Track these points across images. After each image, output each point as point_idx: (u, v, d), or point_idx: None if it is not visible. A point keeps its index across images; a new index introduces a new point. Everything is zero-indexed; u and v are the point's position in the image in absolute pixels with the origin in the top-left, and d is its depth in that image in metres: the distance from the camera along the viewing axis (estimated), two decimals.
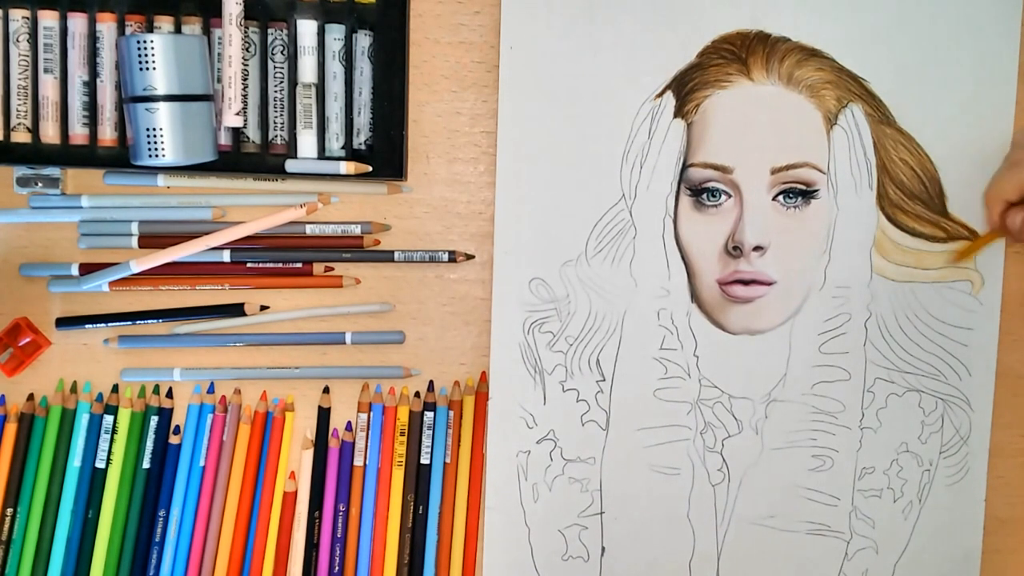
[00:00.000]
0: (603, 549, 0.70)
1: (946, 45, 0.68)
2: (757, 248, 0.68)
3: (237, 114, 0.67)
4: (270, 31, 0.68)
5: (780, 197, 0.68)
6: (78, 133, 0.68)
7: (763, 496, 0.70)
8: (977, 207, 0.69)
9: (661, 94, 0.68)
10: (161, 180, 0.69)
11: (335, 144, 0.68)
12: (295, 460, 0.71)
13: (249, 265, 0.70)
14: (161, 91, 0.63)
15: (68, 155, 0.68)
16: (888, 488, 0.70)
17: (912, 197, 0.69)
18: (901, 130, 0.68)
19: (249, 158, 0.68)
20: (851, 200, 0.68)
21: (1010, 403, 0.71)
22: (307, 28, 0.67)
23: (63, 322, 0.70)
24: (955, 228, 0.69)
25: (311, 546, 0.70)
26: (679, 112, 0.68)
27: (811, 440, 0.70)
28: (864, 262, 0.69)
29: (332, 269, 0.70)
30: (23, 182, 0.69)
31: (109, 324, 0.70)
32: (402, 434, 0.70)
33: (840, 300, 0.69)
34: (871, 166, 0.68)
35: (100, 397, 0.70)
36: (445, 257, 0.70)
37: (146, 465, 0.70)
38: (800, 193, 0.68)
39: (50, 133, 0.68)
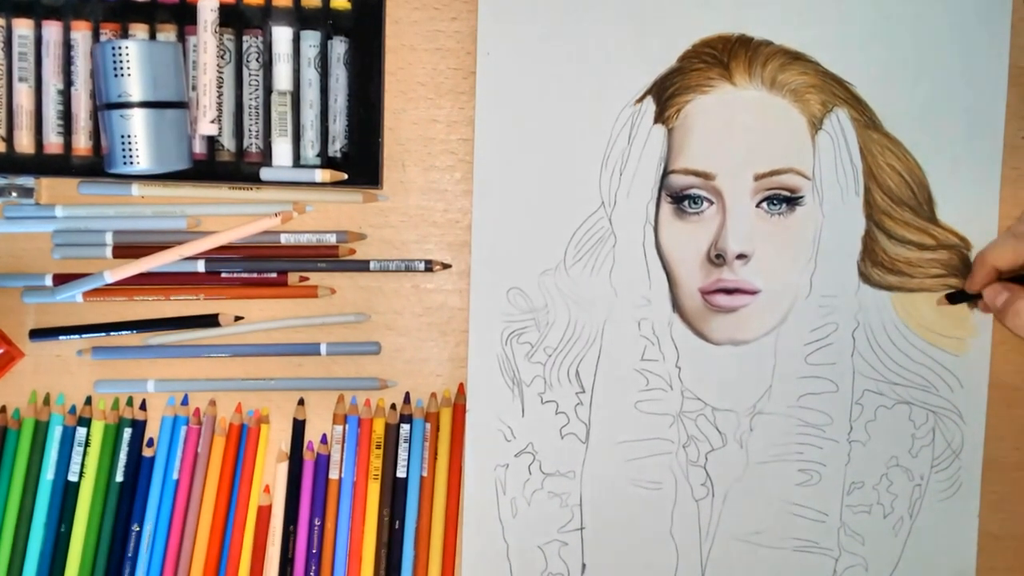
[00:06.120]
0: (584, 566, 0.69)
1: (934, 47, 0.67)
2: (740, 256, 0.66)
3: (212, 122, 0.66)
4: (245, 38, 0.67)
5: (764, 204, 0.66)
6: (52, 142, 0.67)
7: (748, 512, 0.68)
8: (967, 213, 0.67)
9: (641, 99, 0.67)
10: (135, 190, 0.68)
11: (310, 152, 0.67)
12: (270, 473, 0.70)
13: (223, 275, 0.69)
14: (136, 98, 0.62)
15: (42, 164, 0.67)
16: (878, 503, 0.68)
17: (900, 203, 0.67)
18: (888, 135, 0.67)
19: (224, 166, 0.68)
20: (837, 207, 0.67)
21: (1003, 415, 0.68)
22: (282, 35, 0.67)
23: (36, 333, 0.69)
24: (944, 235, 0.67)
25: (286, 561, 0.69)
26: (659, 118, 0.67)
27: (797, 454, 0.68)
28: (851, 270, 0.67)
29: (307, 279, 0.69)
30: None
31: (83, 335, 0.69)
32: (378, 447, 0.69)
33: (826, 309, 0.67)
34: (857, 172, 0.67)
35: (73, 409, 0.70)
36: (421, 266, 0.68)
37: (119, 478, 0.69)
38: (784, 200, 0.67)
39: (24, 142, 0.67)
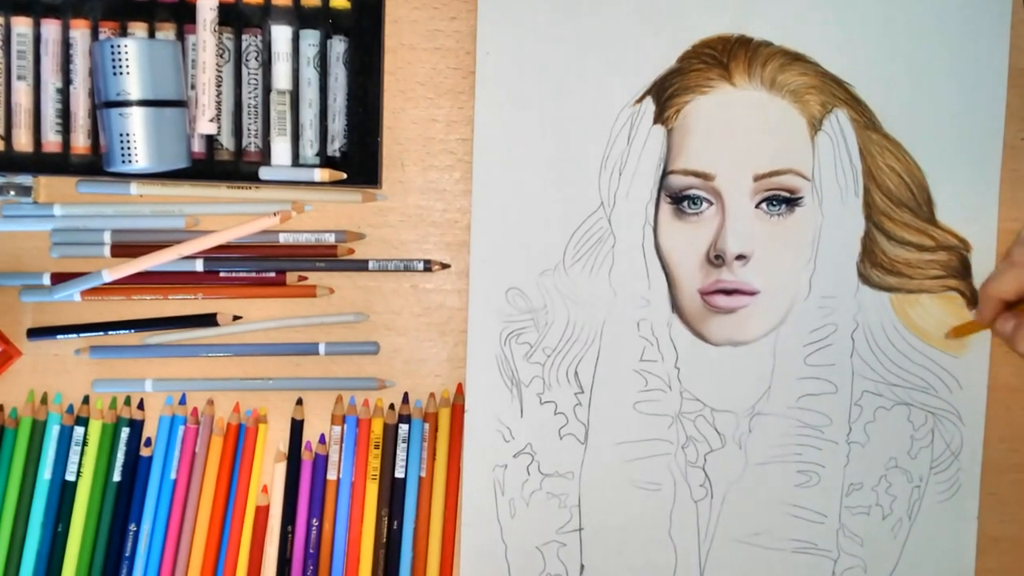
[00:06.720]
0: (582, 567, 0.68)
1: (934, 48, 0.66)
2: (740, 257, 0.66)
3: (211, 120, 0.66)
4: (244, 37, 0.67)
5: (763, 204, 0.66)
6: (51, 141, 0.67)
7: (747, 513, 0.68)
8: (967, 214, 0.67)
9: (641, 100, 0.67)
10: (134, 189, 0.68)
11: (309, 151, 0.67)
12: (268, 473, 0.70)
13: (222, 274, 0.68)
14: (135, 96, 0.62)
15: (41, 163, 0.67)
16: (877, 505, 0.68)
17: (899, 204, 0.67)
18: (887, 136, 0.67)
19: (223, 165, 0.68)
20: (836, 207, 0.67)
21: (1002, 417, 0.68)
22: (281, 34, 0.67)
23: (34, 332, 0.69)
24: (943, 236, 0.67)
25: (283, 562, 0.69)
26: (659, 118, 0.67)
27: (796, 455, 0.68)
28: (850, 271, 0.67)
29: (306, 278, 0.69)
30: None
31: (80, 334, 0.69)
32: (376, 447, 0.69)
33: (826, 310, 0.67)
34: (857, 173, 0.67)
35: (71, 408, 0.69)
36: (420, 266, 0.68)
37: (117, 478, 0.69)
38: (784, 200, 0.66)
39: (23, 141, 0.67)
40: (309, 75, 0.67)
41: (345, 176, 0.67)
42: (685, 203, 0.67)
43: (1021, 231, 0.61)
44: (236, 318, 0.69)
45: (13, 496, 0.68)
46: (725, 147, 0.66)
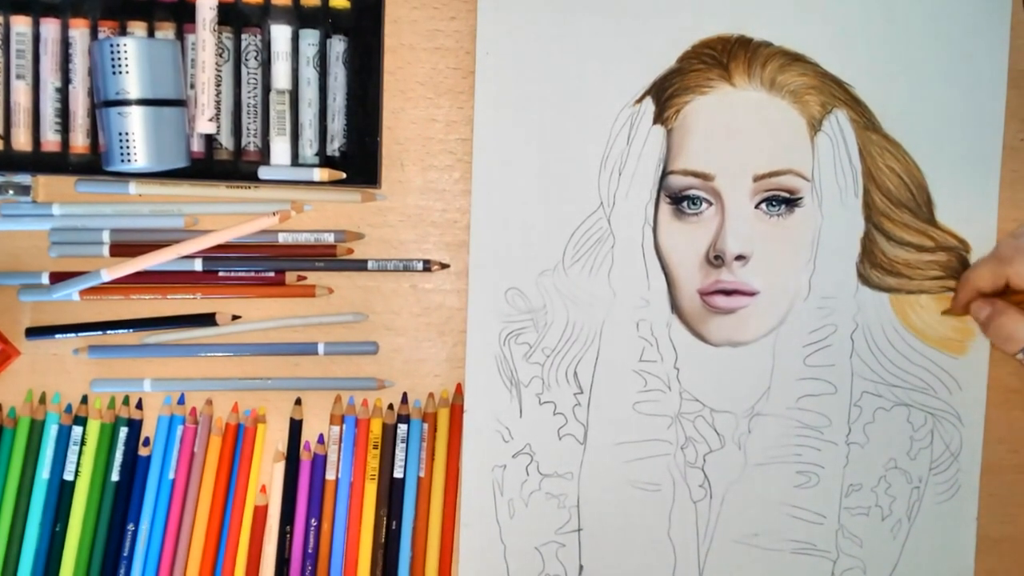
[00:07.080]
0: (581, 567, 0.68)
1: (933, 49, 0.66)
2: (739, 257, 0.66)
3: (210, 120, 0.66)
4: (244, 36, 0.67)
5: (763, 205, 0.66)
6: (50, 140, 0.67)
7: (746, 513, 0.68)
8: (966, 215, 0.67)
9: (640, 100, 0.67)
10: (133, 188, 0.68)
11: (309, 151, 0.67)
12: (266, 473, 0.69)
13: (221, 274, 0.68)
14: (134, 95, 0.62)
15: (40, 162, 0.67)
16: (876, 506, 0.68)
17: (899, 205, 0.67)
18: (887, 136, 0.67)
19: (222, 165, 0.67)
20: (836, 208, 0.67)
21: (1002, 418, 0.68)
22: (281, 33, 0.67)
23: (33, 332, 0.69)
24: (943, 237, 0.67)
25: (282, 561, 0.69)
26: (659, 118, 0.67)
27: (796, 456, 0.68)
28: (850, 272, 0.67)
29: (305, 278, 0.69)
30: None
31: (79, 334, 0.69)
32: (375, 447, 0.69)
33: (825, 311, 0.67)
34: (856, 173, 0.67)
35: (69, 408, 0.69)
36: (419, 266, 0.68)
37: (115, 478, 0.69)
38: (783, 201, 0.66)
39: (22, 140, 0.67)
40: (308, 75, 0.67)
41: (344, 176, 0.67)
42: (685, 203, 0.66)
43: (1016, 229, 0.62)
44: (235, 318, 0.69)
45: (11, 496, 0.68)
46: (725, 147, 0.66)
